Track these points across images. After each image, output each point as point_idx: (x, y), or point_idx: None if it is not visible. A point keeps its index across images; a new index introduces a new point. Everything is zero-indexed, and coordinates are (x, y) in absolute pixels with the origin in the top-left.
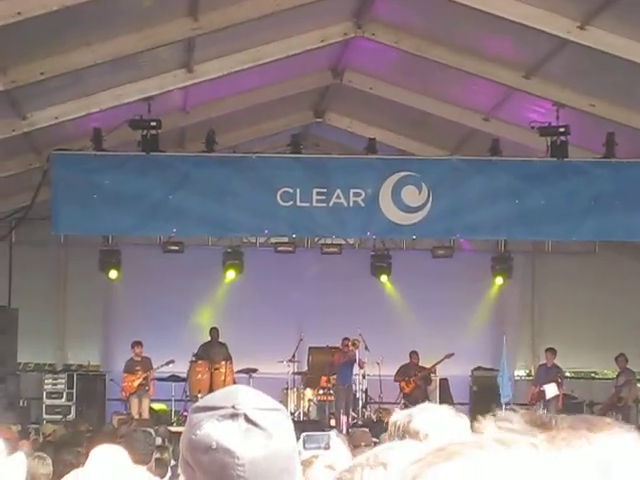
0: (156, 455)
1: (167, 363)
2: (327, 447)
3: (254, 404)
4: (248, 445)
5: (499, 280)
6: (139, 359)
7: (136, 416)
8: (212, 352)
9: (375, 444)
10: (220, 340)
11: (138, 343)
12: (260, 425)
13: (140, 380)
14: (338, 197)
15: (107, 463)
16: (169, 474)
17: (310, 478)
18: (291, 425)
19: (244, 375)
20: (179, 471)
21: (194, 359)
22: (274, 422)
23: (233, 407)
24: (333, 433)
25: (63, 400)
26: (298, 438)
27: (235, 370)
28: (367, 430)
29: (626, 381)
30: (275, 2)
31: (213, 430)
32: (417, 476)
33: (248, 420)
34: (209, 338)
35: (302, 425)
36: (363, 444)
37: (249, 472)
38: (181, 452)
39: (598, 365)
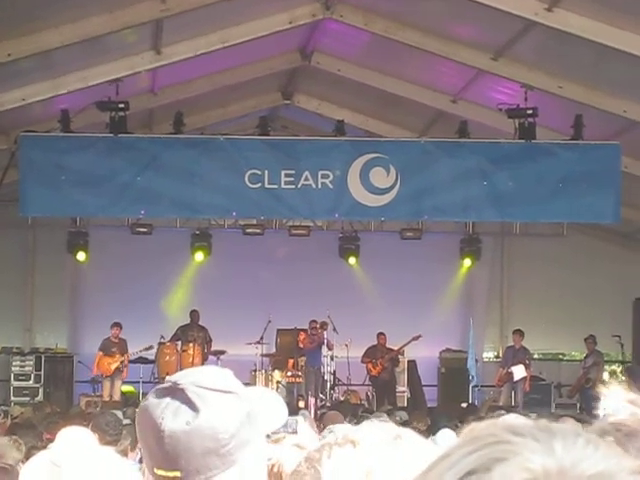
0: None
1: (146, 349)
2: (294, 432)
3: (200, 382)
4: (172, 419)
5: (467, 262)
6: (116, 341)
7: (106, 399)
8: (189, 334)
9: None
10: (200, 323)
11: (117, 325)
12: (192, 402)
13: (117, 364)
14: (306, 179)
15: (74, 444)
16: (138, 455)
17: (279, 456)
18: (239, 410)
19: (212, 357)
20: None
21: (162, 341)
22: (213, 403)
23: (174, 383)
24: (301, 418)
25: (31, 382)
26: None
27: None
28: (339, 412)
29: (594, 362)
30: None
31: (150, 401)
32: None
33: (183, 396)
34: (182, 319)
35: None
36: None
37: (168, 445)
38: None
39: (566, 347)
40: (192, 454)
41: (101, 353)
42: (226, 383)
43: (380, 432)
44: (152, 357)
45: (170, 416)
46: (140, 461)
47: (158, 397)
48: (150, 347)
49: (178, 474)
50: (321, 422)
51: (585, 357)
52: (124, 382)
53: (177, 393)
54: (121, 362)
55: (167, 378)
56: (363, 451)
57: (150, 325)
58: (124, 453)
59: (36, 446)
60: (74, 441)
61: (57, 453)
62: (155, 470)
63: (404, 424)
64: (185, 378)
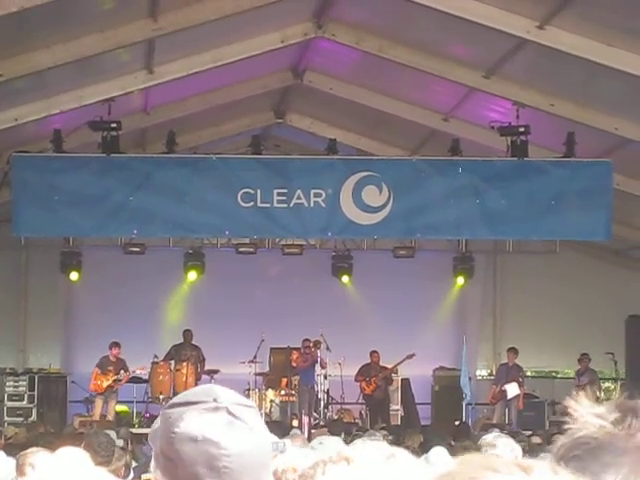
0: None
1: (142, 368)
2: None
3: (233, 399)
4: (233, 437)
5: (460, 280)
6: (114, 360)
7: (97, 418)
8: (183, 353)
9: None
10: (193, 342)
11: (116, 344)
12: (242, 419)
13: (110, 382)
14: (299, 197)
15: (67, 465)
16: (131, 475)
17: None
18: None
19: (206, 376)
20: (151, 467)
21: (156, 360)
22: (253, 417)
23: (215, 400)
24: (288, 441)
25: (24, 402)
26: None
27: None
28: (327, 431)
29: (590, 381)
30: (235, 3)
31: (197, 422)
32: None
33: (230, 413)
34: (176, 339)
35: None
36: None
37: (235, 463)
38: (158, 447)
39: (559, 364)
40: (254, 469)
41: (98, 370)
42: (244, 397)
43: (374, 450)
44: (145, 376)
45: (230, 435)
46: None
47: (204, 419)
48: (143, 368)
49: None
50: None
51: (579, 375)
52: (118, 402)
53: (221, 412)
54: (114, 381)
55: (183, 398)
56: (357, 468)
57: (143, 344)
58: (116, 474)
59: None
60: (67, 461)
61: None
62: None
63: (396, 443)
64: (215, 395)
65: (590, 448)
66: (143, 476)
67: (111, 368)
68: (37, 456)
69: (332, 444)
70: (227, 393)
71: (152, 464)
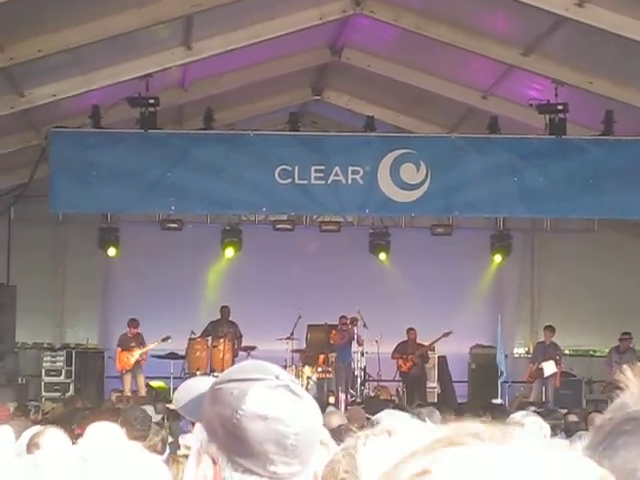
0: (158, 433)
1: (163, 340)
2: None
3: (289, 377)
4: (298, 415)
5: (498, 258)
6: (132, 336)
7: (128, 393)
8: (220, 330)
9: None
10: (230, 319)
11: (133, 321)
12: (303, 397)
13: (137, 357)
14: (336, 175)
15: (101, 440)
16: (167, 451)
17: None
18: None
19: (243, 353)
20: (197, 441)
21: (193, 336)
22: (308, 395)
23: (277, 378)
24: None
25: (62, 378)
26: None
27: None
28: (360, 409)
29: (630, 359)
30: None
31: (264, 400)
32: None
33: (292, 391)
34: (213, 315)
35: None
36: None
37: (301, 441)
38: (215, 422)
39: (597, 343)
40: (313, 445)
41: (119, 349)
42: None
43: (416, 425)
44: (182, 352)
45: (296, 412)
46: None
47: (270, 396)
48: (167, 338)
49: (299, 468)
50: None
51: (620, 352)
52: (154, 377)
53: (284, 389)
54: (140, 354)
55: (238, 374)
56: (399, 440)
57: (181, 320)
58: (153, 449)
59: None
60: (101, 436)
61: (85, 448)
62: (272, 468)
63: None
64: (274, 372)
65: None
66: (179, 452)
67: (133, 344)
68: (46, 435)
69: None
70: (281, 370)
71: (198, 436)
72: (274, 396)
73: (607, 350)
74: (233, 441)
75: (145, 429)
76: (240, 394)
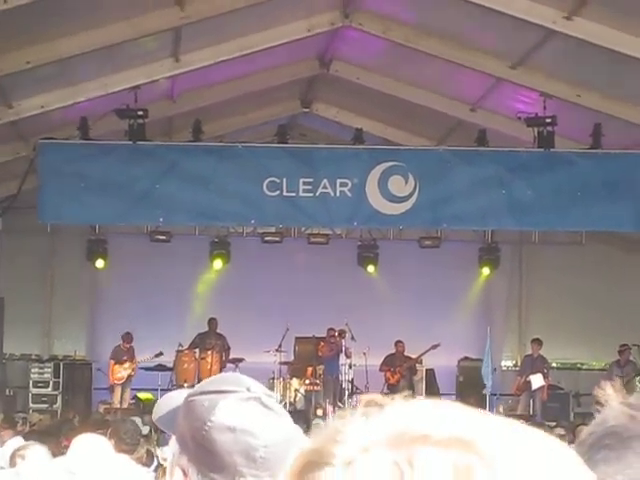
0: (144, 445)
1: (156, 355)
2: None
3: (262, 389)
4: (269, 427)
5: (486, 270)
6: (125, 350)
7: (117, 405)
8: (208, 342)
9: None
10: (218, 331)
11: (128, 335)
12: (274, 410)
13: (129, 371)
14: (325, 187)
15: (88, 452)
16: (155, 463)
17: None
18: None
19: (231, 365)
20: (171, 454)
21: (181, 348)
22: (280, 407)
23: (248, 390)
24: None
25: (49, 389)
26: None
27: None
28: None
29: (634, 372)
30: None
31: (233, 412)
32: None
33: (262, 404)
34: (201, 327)
35: (289, 415)
36: None
37: (271, 454)
38: (186, 434)
39: (585, 356)
40: (285, 460)
41: (112, 362)
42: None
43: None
44: (170, 364)
45: (266, 425)
46: (155, 470)
47: (240, 408)
48: (160, 354)
49: None
50: None
51: (621, 366)
52: (141, 389)
53: (255, 402)
54: (132, 369)
55: (212, 386)
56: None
57: (169, 332)
58: (139, 461)
59: (55, 453)
60: (88, 448)
61: (72, 460)
62: None
63: None
64: (246, 385)
65: (623, 438)
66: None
67: (126, 358)
68: (30, 449)
69: None
70: (252, 382)
71: (172, 448)
72: (244, 408)
73: (595, 363)
74: (202, 453)
75: (135, 442)
76: (210, 406)
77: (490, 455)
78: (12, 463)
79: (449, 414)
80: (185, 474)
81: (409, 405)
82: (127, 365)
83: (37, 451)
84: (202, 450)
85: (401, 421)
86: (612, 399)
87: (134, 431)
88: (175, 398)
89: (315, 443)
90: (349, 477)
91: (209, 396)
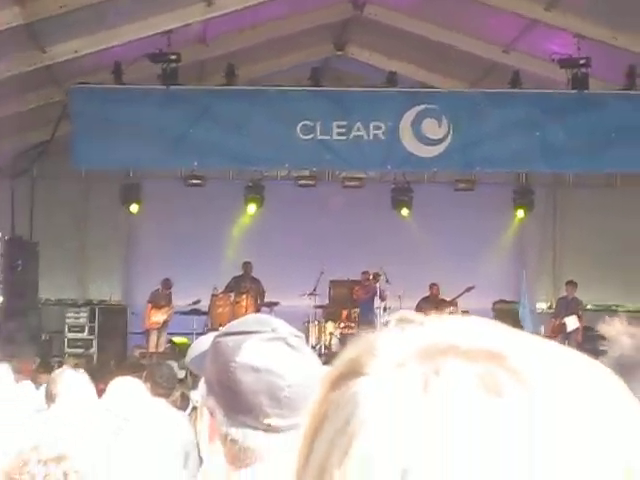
0: (178, 388)
1: (194, 302)
2: None
3: (289, 330)
4: (294, 367)
5: (520, 213)
6: (164, 295)
7: (153, 350)
8: (242, 286)
9: None
10: (253, 275)
11: (168, 281)
12: (299, 349)
13: (166, 317)
14: (358, 130)
15: (125, 394)
16: (190, 406)
17: None
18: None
19: (266, 309)
20: (200, 395)
21: (215, 292)
22: (307, 348)
23: (273, 331)
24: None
25: (85, 334)
26: None
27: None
28: None
29: None
30: None
31: (257, 352)
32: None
33: (288, 344)
34: (236, 271)
35: (324, 358)
36: None
37: (295, 393)
38: (212, 374)
39: (619, 298)
40: (308, 400)
41: (150, 305)
42: (293, 329)
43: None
44: (205, 309)
45: (290, 365)
46: (190, 413)
47: (264, 348)
48: (197, 301)
49: (295, 421)
50: None
51: None
52: (177, 333)
53: (280, 342)
54: (169, 315)
55: (237, 327)
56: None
57: (203, 276)
58: (174, 404)
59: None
60: (126, 391)
61: (110, 402)
62: (266, 420)
63: None
64: (272, 325)
65: (628, 367)
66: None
67: (164, 302)
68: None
69: None
70: (280, 323)
71: (201, 390)
72: (268, 348)
73: (630, 305)
74: (228, 394)
75: (170, 386)
76: (234, 346)
77: (522, 371)
78: (49, 402)
79: (484, 329)
80: (212, 415)
81: (443, 320)
82: (164, 310)
83: (69, 381)
84: (227, 391)
85: (433, 334)
86: (619, 333)
87: (170, 375)
88: (206, 341)
89: (349, 355)
90: (377, 387)
91: (234, 337)
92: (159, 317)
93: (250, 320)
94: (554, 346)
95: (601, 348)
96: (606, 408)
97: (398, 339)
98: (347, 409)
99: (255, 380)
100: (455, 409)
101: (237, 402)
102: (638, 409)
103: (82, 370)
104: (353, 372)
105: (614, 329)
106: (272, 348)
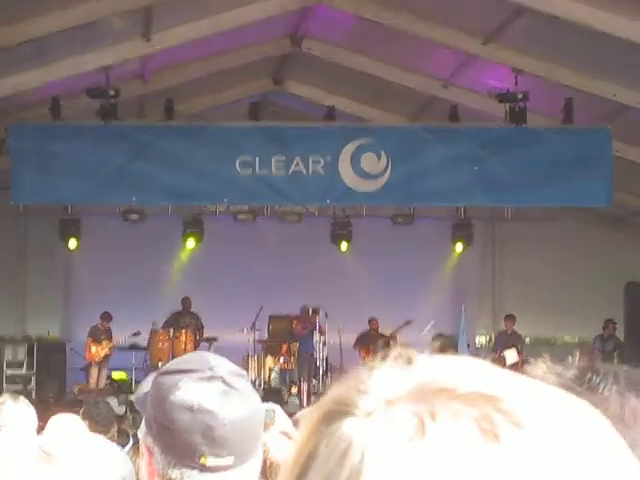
0: (117, 425)
1: (134, 334)
2: (271, 423)
3: (227, 368)
4: (229, 407)
5: (459, 247)
6: (104, 329)
7: (93, 385)
8: (182, 321)
9: None
10: (192, 310)
11: (107, 315)
12: (237, 388)
13: (106, 350)
14: (297, 165)
15: (63, 431)
16: (130, 442)
17: (266, 442)
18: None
19: (205, 344)
20: (141, 434)
21: (155, 328)
22: (247, 386)
23: (210, 369)
24: (278, 407)
25: (23, 370)
26: None
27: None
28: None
29: (615, 347)
30: None
31: (193, 391)
32: None
33: (225, 383)
34: (174, 306)
35: (264, 393)
36: None
37: (230, 433)
38: (151, 413)
39: (558, 331)
40: (247, 439)
41: (90, 339)
42: (235, 366)
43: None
44: (144, 344)
45: (226, 404)
46: (130, 449)
47: (200, 387)
48: (138, 333)
49: (231, 461)
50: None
51: (603, 340)
52: (116, 369)
53: (216, 381)
54: (109, 349)
55: (177, 365)
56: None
57: (142, 312)
58: (112, 440)
59: None
60: (63, 428)
61: (46, 440)
62: (201, 460)
63: None
64: (210, 364)
65: None
66: None
67: (104, 337)
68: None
69: None
70: (221, 361)
71: (142, 429)
72: (204, 388)
73: (567, 338)
74: (164, 432)
75: (109, 422)
76: (171, 385)
77: (517, 413)
78: None
79: (477, 370)
80: (151, 454)
81: (436, 359)
82: (105, 344)
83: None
84: (164, 430)
85: (426, 374)
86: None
87: (107, 412)
88: (150, 381)
89: (337, 392)
90: (370, 428)
91: (171, 376)
92: (100, 351)
93: (189, 358)
94: (541, 386)
95: None
96: (597, 448)
97: (390, 377)
98: (339, 449)
99: (190, 419)
100: (455, 456)
101: (173, 441)
102: (625, 448)
103: (22, 398)
104: (343, 410)
105: (540, 369)
106: (208, 387)
